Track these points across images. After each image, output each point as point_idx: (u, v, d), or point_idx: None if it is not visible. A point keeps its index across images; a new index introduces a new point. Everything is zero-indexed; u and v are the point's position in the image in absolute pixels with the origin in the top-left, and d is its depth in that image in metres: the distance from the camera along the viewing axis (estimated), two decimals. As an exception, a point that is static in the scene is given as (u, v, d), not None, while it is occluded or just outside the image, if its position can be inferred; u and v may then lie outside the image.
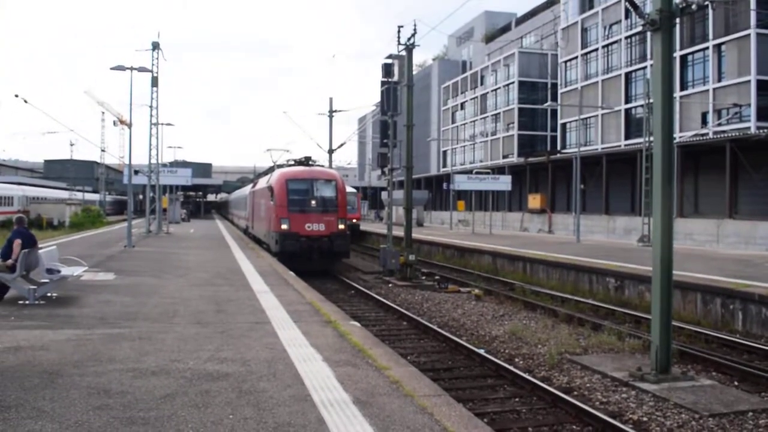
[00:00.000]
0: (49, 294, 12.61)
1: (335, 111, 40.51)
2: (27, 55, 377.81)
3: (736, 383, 10.90)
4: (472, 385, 10.73)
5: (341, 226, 25.06)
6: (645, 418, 8.90)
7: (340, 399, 6.47)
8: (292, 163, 29.90)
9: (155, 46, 34.18)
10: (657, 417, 8.92)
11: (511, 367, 11.29)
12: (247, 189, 44.77)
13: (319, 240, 24.39)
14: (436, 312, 17.90)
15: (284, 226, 24.38)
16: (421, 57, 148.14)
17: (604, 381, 10.68)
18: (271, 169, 36.11)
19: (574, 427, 8.76)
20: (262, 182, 32.36)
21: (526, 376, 10.72)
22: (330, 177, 26.50)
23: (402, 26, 24.67)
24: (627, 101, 61.49)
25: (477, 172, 49.63)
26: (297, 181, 25.70)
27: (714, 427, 8.57)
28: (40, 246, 13.29)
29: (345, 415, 5.98)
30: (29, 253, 12.14)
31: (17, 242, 12.05)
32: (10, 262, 11.93)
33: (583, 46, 68.95)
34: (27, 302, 11.89)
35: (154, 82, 34.47)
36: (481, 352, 12.52)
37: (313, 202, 25.03)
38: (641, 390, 9.94)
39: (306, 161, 29.00)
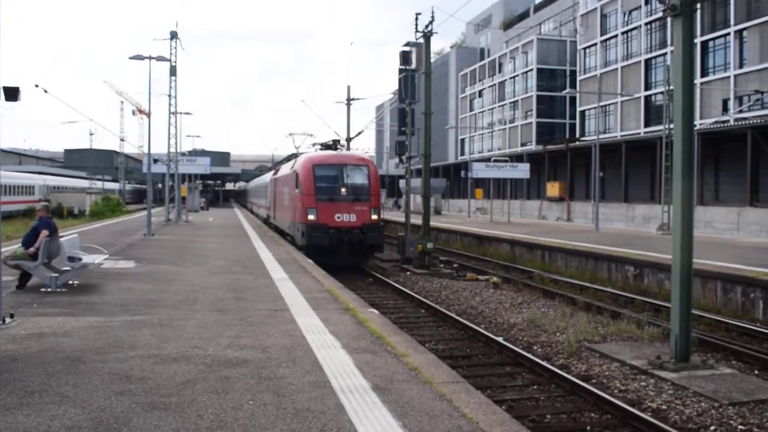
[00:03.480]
0: (70, 282, 12.75)
1: (353, 99, 40.52)
2: (46, 45, 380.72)
3: (756, 372, 10.83)
4: (490, 373, 10.74)
5: (374, 217, 22.74)
6: (664, 407, 8.86)
7: (359, 385, 6.50)
8: (319, 147, 27.72)
9: (173, 35, 34.35)
10: (676, 405, 8.88)
11: (529, 355, 11.29)
12: (267, 176, 43.17)
13: (350, 232, 22.12)
14: (455, 300, 17.91)
15: (311, 217, 22.13)
16: (438, 44, 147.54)
17: (623, 369, 10.64)
18: (293, 156, 35.19)
19: (593, 414, 8.75)
20: (286, 168, 30.06)
21: (544, 363, 10.70)
22: (362, 162, 24.19)
23: (420, 13, 24.60)
24: (647, 88, 60.88)
25: (495, 160, 49.46)
26: (325, 166, 23.34)
27: (734, 415, 8.52)
28: (61, 234, 13.42)
29: (364, 402, 6.01)
30: (51, 241, 12.27)
31: (44, 232, 12.16)
32: (32, 250, 12.06)
33: (603, 32, 68.27)
34: (49, 290, 12.04)
35: (173, 71, 34.67)
36: (500, 339, 12.52)
37: (344, 189, 22.69)
38: (660, 378, 9.89)
39: (334, 145, 27.11)
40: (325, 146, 27.32)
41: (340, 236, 21.95)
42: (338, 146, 27.09)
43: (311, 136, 33.73)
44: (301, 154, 28.61)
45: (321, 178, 22.86)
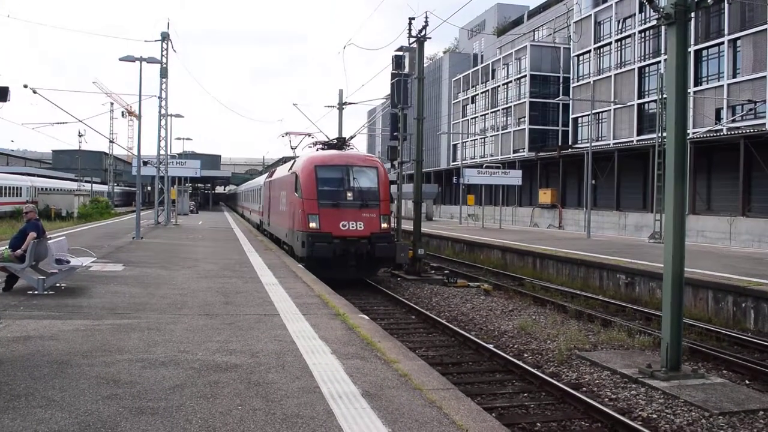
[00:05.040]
0: (58, 284, 12.65)
1: (345, 103, 40.45)
2: (36, 45, 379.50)
3: (747, 382, 10.83)
4: (480, 380, 10.70)
5: (384, 225, 20.42)
6: (654, 416, 8.84)
7: (348, 391, 6.45)
8: (321, 147, 24.78)
9: (164, 36, 34.21)
10: (666, 414, 8.86)
11: (519, 363, 11.25)
12: (261, 179, 40.73)
13: (357, 242, 19.75)
14: (445, 306, 17.87)
15: (313, 225, 19.73)
16: (432, 50, 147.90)
17: (614, 377, 10.62)
18: (286, 159, 33.59)
19: (583, 423, 8.72)
20: (282, 170, 27.31)
21: (534, 371, 10.68)
22: (370, 163, 21.65)
23: (413, 18, 24.57)
24: (640, 96, 61.17)
25: (487, 167, 49.53)
26: (329, 167, 20.88)
27: (724, 425, 8.50)
28: (49, 236, 13.31)
29: (354, 408, 5.96)
30: (38, 243, 12.17)
31: (32, 235, 12.07)
32: (19, 252, 11.96)
33: (596, 40, 68.60)
34: (36, 292, 11.92)
35: (163, 73, 34.51)
36: (490, 347, 12.49)
37: (350, 194, 20.26)
38: (651, 387, 9.88)
39: (339, 143, 24.27)
40: (329, 145, 24.45)
41: (345, 247, 19.60)
42: (344, 145, 24.07)
43: (309, 135, 30.45)
44: (297, 157, 25.74)
45: (324, 180, 20.51)
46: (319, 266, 18.86)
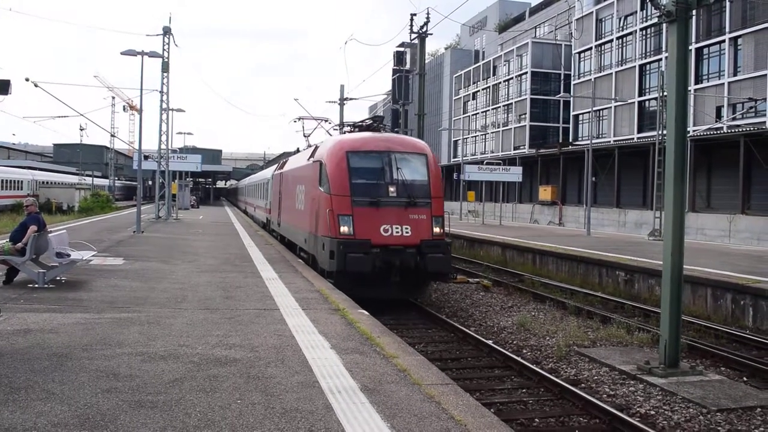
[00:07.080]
0: (58, 278, 12.66)
1: (346, 99, 40.42)
2: (37, 38, 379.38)
3: (745, 379, 10.84)
4: (479, 376, 10.74)
5: (437, 230, 15.69)
6: (652, 412, 8.87)
7: (347, 386, 6.47)
8: (349, 129, 19.54)
9: (166, 31, 34.21)
10: (664, 411, 8.89)
11: (518, 358, 11.27)
12: (268, 171, 35.85)
13: (403, 253, 15.09)
14: (445, 302, 17.87)
15: (345, 229, 15.08)
16: (433, 46, 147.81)
17: (612, 374, 10.64)
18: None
19: (581, 419, 8.74)
20: (299, 159, 21.99)
21: (533, 367, 10.70)
22: (417, 149, 16.66)
23: (415, 14, 24.59)
24: (641, 94, 61.13)
25: (488, 163, 49.44)
26: (364, 154, 16.03)
27: (722, 422, 8.53)
28: (49, 230, 13.33)
29: (352, 402, 5.98)
30: (39, 237, 12.18)
31: (33, 228, 12.09)
32: (20, 245, 11.97)
33: (598, 37, 68.52)
34: (36, 285, 11.93)
35: (165, 67, 34.51)
36: (489, 342, 12.50)
37: (393, 189, 15.51)
38: (649, 383, 9.90)
39: (375, 124, 18.82)
40: (360, 127, 18.98)
41: (387, 259, 14.95)
42: (381, 126, 18.75)
43: (326, 121, 25.91)
44: (318, 144, 20.10)
45: (359, 171, 15.75)
46: (353, 283, 14.61)
